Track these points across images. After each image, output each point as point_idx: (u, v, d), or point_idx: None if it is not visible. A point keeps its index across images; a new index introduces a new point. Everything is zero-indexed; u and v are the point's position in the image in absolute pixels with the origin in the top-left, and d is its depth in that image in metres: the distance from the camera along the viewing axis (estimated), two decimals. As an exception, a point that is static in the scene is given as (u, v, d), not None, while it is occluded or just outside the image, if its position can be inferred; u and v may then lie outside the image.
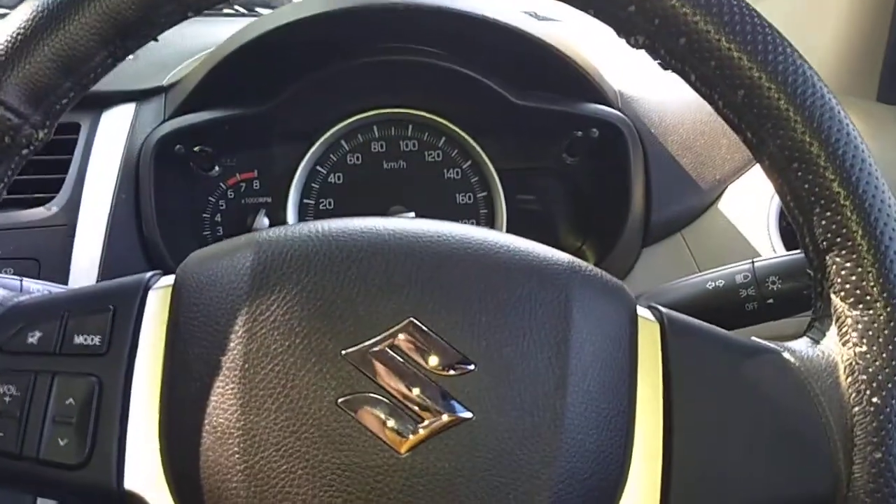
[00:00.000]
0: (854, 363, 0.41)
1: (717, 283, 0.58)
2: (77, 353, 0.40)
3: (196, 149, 0.80)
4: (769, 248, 0.75)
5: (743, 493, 0.40)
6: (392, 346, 0.38)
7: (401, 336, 0.38)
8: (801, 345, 0.43)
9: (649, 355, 0.41)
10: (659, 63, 0.94)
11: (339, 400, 0.37)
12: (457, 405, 0.37)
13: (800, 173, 0.41)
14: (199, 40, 0.90)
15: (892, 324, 0.40)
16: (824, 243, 0.41)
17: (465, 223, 0.44)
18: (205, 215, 0.83)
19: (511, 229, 0.83)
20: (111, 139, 0.78)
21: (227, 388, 0.38)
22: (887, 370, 0.40)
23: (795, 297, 0.55)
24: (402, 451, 0.37)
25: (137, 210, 0.76)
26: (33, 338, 0.40)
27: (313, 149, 0.82)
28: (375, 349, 0.38)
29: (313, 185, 0.84)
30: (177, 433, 0.39)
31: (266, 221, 0.81)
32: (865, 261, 0.40)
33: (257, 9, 1.10)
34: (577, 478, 0.38)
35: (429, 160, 0.85)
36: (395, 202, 0.84)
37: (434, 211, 0.83)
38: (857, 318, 0.41)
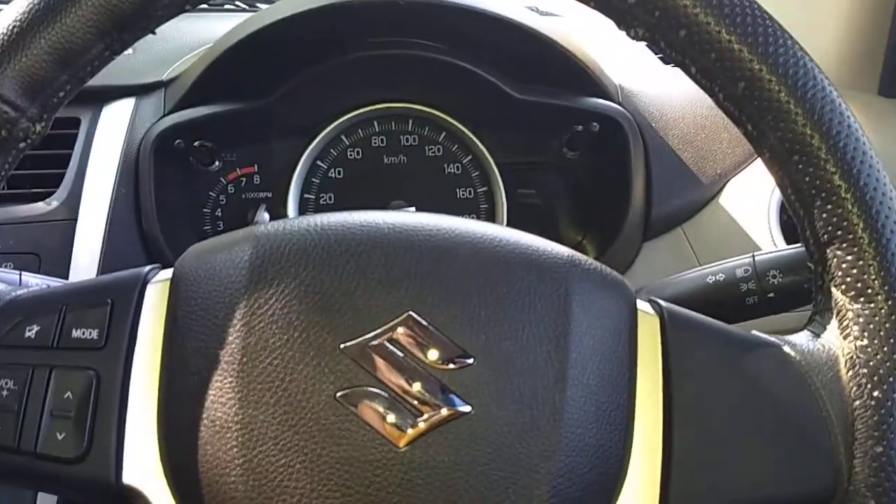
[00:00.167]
0: (855, 357, 0.40)
1: (717, 277, 0.58)
2: (75, 347, 0.40)
3: (196, 143, 0.80)
4: (770, 243, 0.75)
5: (743, 487, 0.40)
6: (391, 340, 0.38)
7: (400, 330, 0.38)
8: (802, 338, 0.43)
9: (649, 349, 0.41)
10: (660, 57, 0.94)
11: (338, 394, 0.37)
12: (456, 399, 0.37)
13: (800, 166, 0.41)
14: (199, 35, 0.90)
15: (893, 317, 0.40)
16: (825, 236, 0.41)
17: (466, 218, 0.44)
18: (205, 210, 0.83)
19: (511, 224, 0.83)
20: (111, 134, 0.78)
21: (225, 381, 0.38)
22: (888, 364, 0.39)
23: (796, 290, 0.55)
24: (401, 445, 0.37)
25: (137, 205, 0.76)
26: (31, 331, 0.40)
27: (314, 143, 0.82)
28: (374, 343, 0.38)
29: (314, 179, 0.84)
30: (175, 427, 0.39)
31: (266, 216, 0.81)
32: (866, 254, 0.40)
33: (258, 4, 1.10)
34: (577, 472, 0.38)
35: (429, 155, 0.85)
36: (396, 197, 0.84)
37: (434, 206, 0.83)
38: (858, 311, 0.41)
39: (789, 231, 0.75)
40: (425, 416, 0.37)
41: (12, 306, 0.41)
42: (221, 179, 0.83)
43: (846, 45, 0.93)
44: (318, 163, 0.84)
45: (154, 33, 0.43)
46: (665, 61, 0.93)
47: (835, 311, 0.42)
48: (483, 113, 0.83)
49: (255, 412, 0.37)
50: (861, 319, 0.40)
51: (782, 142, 0.41)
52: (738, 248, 0.73)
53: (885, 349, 0.40)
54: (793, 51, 0.40)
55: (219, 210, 0.84)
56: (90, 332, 0.40)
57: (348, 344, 0.38)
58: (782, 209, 0.77)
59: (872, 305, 0.40)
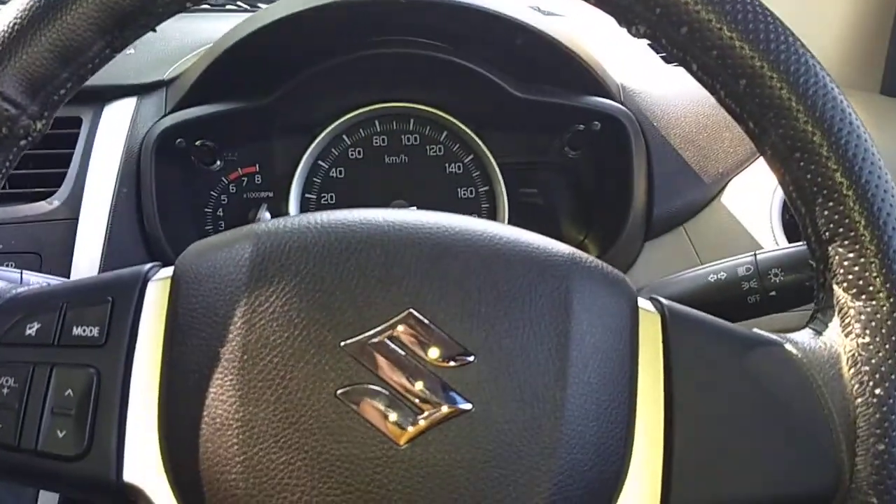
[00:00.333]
0: (857, 354, 0.40)
1: (719, 276, 0.57)
2: (75, 345, 0.40)
3: (197, 143, 0.80)
4: (772, 242, 0.75)
5: (745, 485, 0.39)
6: (391, 338, 0.38)
7: (400, 327, 0.38)
8: (804, 336, 0.43)
9: (650, 347, 0.41)
10: (662, 56, 0.94)
11: (339, 391, 0.37)
12: (456, 397, 0.37)
13: (802, 163, 0.41)
14: (201, 35, 0.90)
15: (894, 315, 0.39)
16: (827, 234, 0.41)
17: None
18: (206, 210, 0.83)
19: (513, 223, 0.82)
20: (112, 133, 0.78)
21: (225, 379, 0.38)
22: (890, 361, 0.39)
23: (798, 289, 0.55)
24: (402, 443, 0.37)
25: (139, 204, 0.76)
26: (32, 329, 0.40)
27: (315, 143, 0.82)
28: (375, 340, 0.38)
29: (315, 179, 0.84)
30: (176, 425, 0.39)
31: (268, 216, 0.81)
32: (868, 251, 0.40)
33: (259, 4, 1.10)
34: (578, 469, 0.38)
35: (430, 154, 0.85)
36: (397, 196, 0.84)
37: (436, 205, 0.83)
38: (860, 309, 0.40)
39: (791, 230, 0.75)
40: (426, 413, 0.37)
41: (13, 304, 0.41)
42: (223, 179, 0.84)
43: (848, 43, 0.92)
44: (320, 162, 0.84)
45: (155, 31, 0.43)
46: (666, 59, 0.92)
47: (836, 309, 0.42)
48: (484, 112, 0.83)
49: (255, 410, 0.37)
50: (863, 317, 0.40)
51: (784, 139, 0.41)
52: (739, 247, 0.72)
53: (887, 347, 0.39)
54: (794, 48, 0.40)
55: (220, 209, 0.84)
56: (91, 330, 0.40)
57: (349, 341, 0.38)
58: (784, 208, 0.76)
59: (874, 303, 0.40)
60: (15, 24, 0.40)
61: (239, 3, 1.10)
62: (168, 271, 0.42)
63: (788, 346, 0.42)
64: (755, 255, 0.57)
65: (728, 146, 0.82)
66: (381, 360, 0.37)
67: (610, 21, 0.44)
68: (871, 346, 0.40)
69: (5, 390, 0.39)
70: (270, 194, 0.84)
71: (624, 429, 0.39)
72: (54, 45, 0.40)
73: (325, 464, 0.36)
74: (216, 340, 0.38)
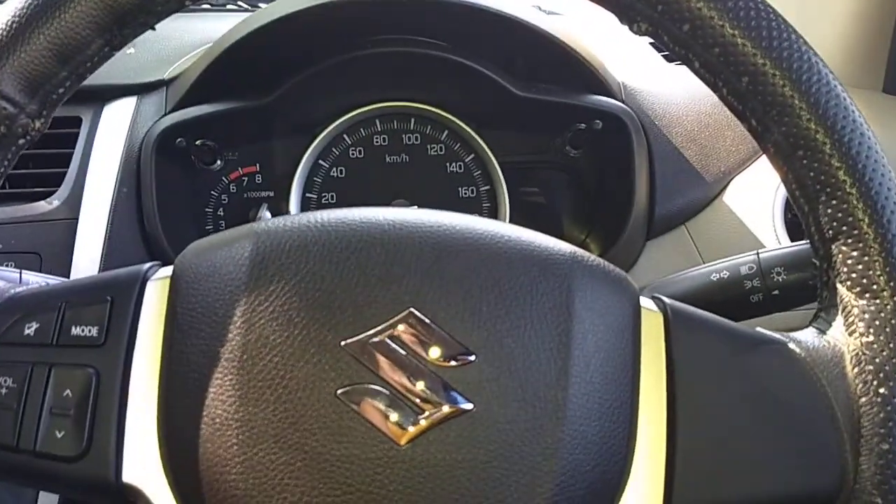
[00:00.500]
0: (860, 353, 0.40)
1: (721, 275, 0.57)
2: (74, 345, 0.39)
3: (198, 142, 0.79)
4: (774, 241, 0.74)
5: (748, 486, 0.39)
6: (392, 337, 0.37)
7: (401, 327, 0.38)
8: (807, 335, 0.43)
9: (652, 346, 0.41)
10: (663, 55, 0.94)
11: (339, 391, 0.37)
12: (458, 396, 0.37)
13: (805, 161, 0.40)
14: (201, 34, 0.90)
15: None
16: (830, 232, 0.41)
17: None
18: (207, 209, 0.83)
19: (514, 222, 0.82)
20: (112, 133, 0.78)
21: (225, 379, 0.37)
22: (894, 360, 0.39)
23: (801, 288, 0.55)
24: (403, 443, 0.36)
25: (139, 204, 0.76)
26: (30, 329, 0.40)
27: (315, 142, 0.82)
28: (375, 340, 0.37)
29: (315, 178, 0.83)
30: (175, 425, 0.38)
31: (268, 215, 0.81)
32: (872, 249, 0.40)
33: (260, 4, 1.10)
34: (580, 470, 0.37)
35: (431, 154, 0.85)
36: (398, 196, 0.84)
37: (437, 205, 0.82)
38: (864, 307, 0.40)
39: (794, 229, 0.75)
40: (426, 413, 0.37)
41: (11, 303, 0.41)
42: (223, 178, 0.83)
43: (851, 42, 0.92)
44: (320, 162, 0.83)
45: (154, 29, 0.43)
46: (668, 58, 0.92)
47: (840, 308, 0.42)
48: (485, 111, 0.83)
49: (255, 410, 0.37)
50: (866, 316, 0.40)
51: (786, 137, 0.41)
52: (742, 246, 0.72)
53: (891, 345, 0.39)
54: (797, 45, 0.40)
55: (221, 209, 0.83)
56: (90, 330, 0.40)
57: (349, 341, 0.37)
58: (787, 207, 0.76)
59: (878, 302, 0.40)
60: (13, 22, 0.40)
61: (239, 2, 1.10)
62: (167, 271, 0.42)
63: (792, 345, 0.42)
64: (758, 253, 0.57)
65: (730, 145, 0.82)
66: (381, 360, 0.37)
67: (611, 19, 0.44)
68: (875, 345, 0.40)
69: (4, 390, 0.39)
70: (271, 194, 0.84)
71: (626, 428, 0.39)
72: (53, 44, 0.40)
73: (325, 464, 0.36)
74: (216, 340, 0.38)
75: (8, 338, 0.40)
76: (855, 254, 0.40)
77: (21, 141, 0.42)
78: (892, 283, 0.39)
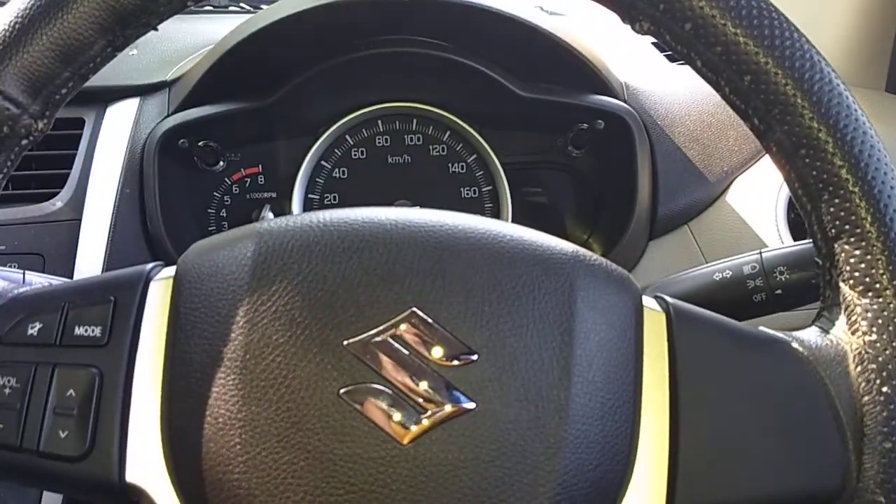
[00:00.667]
0: (863, 352, 0.40)
1: (724, 274, 0.57)
2: (77, 345, 0.39)
3: (200, 143, 0.80)
4: (778, 241, 0.74)
5: (751, 485, 0.39)
6: (394, 337, 0.37)
7: (403, 326, 0.38)
8: (810, 334, 0.43)
9: (655, 345, 0.41)
10: (666, 54, 0.93)
11: (342, 391, 0.37)
12: (460, 396, 0.37)
13: (807, 160, 0.40)
14: (203, 36, 0.90)
15: None
16: (833, 231, 0.41)
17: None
18: (209, 210, 0.83)
19: (516, 223, 0.82)
20: (115, 134, 0.78)
21: (228, 379, 0.37)
22: None
23: (804, 287, 0.55)
24: (405, 443, 0.36)
25: (142, 205, 0.76)
26: (34, 329, 0.40)
27: (318, 143, 0.82)
28: (378, 339, 0.37)
29: (318, 179, 0.83)
30: (178, 425, 0.38)
31: (271, 216, 0.81)
32: (875, 248, 0.40)
33: (262, 6, 1.10)
34: (583, 469, 0.37)
35: (433, 154, 0.85)
36: (400, 196, 0.84)
37: (439, 205, 0.81)
38: (867, 306, 0.40)
39: (797, 229, 0.75)
40: (429, 413, 0.37)
41: (14, 304, 0.41)
42: (226, 180, 0.84)
43: (854, 41, 0.92)
44: (323, 163, 0.83)
45: (156, 30, 0.43)
46: (671, 58, 0.92)
47: (843, 307, 0.41)
48: (487, 111, 0.83)
49: (258, 409, 0.37)
50: (869, 315, 0.40)
51: (789, 135, 0.41)
52: (745, 246, 0.72)
53: (894, 344, 0.39)
54: (799, 43, 0.40)
55: (223, 210, 0.83)
56: (93, 330, 0.40)
57: (352, 341, 0.37)
58: (790, 207, 0.76)
59: (881, 300, 0.40)
60: (16, 23, 0.40)
61: (241, 4, 1.10)
62: (170, 271, 0.42)
63: (794, 345, 0.42)
64: (761, 253, 0.57)
65: (733, 144, 0.82)
66: (384, 360, 0.37)
67: (613, 19, 0.44)
68: (878, 344, 0.40)
69: (7, 390, 0.39)
70: (273, 195, 0.84)
71: (629, 428, 0.39)
72: (55, 45, 0.40)
73: (328, 463, 0.36)
74: (218, 340, 0.38)
75: (11, 338, 0.40)
76: (858, 252, 0.40)
77: (24, 141, 0.42)
78: (894, 282, 0.39)
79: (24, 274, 0.47)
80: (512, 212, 0.82)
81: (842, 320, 0.42)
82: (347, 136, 0.84)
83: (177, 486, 0.38)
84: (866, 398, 0.39)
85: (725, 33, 0.40)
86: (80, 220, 0.73)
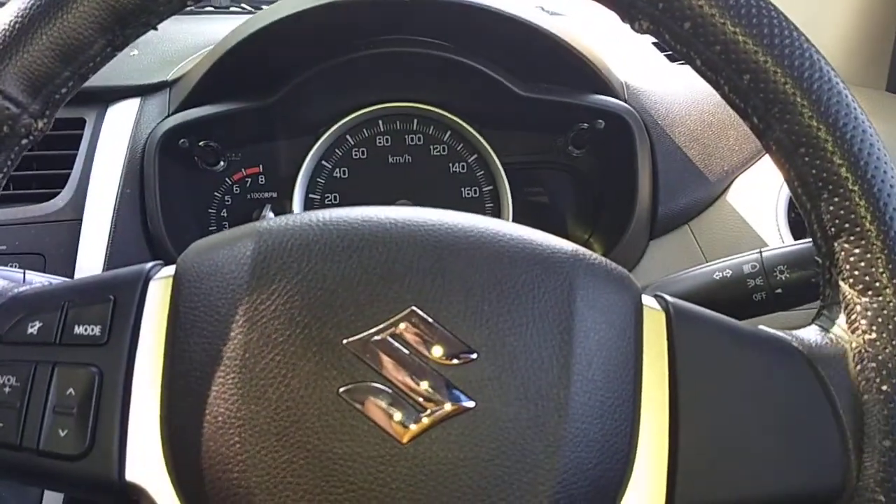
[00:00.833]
0: (863, 351, 0.40)
1: (724, 274, 0.57)
2: (77, 344, 0.40)
3: (201, 143, 0.80)
4: (778, 241, 0.74)
5: (750, 484, 0.39)
6: (394, 335, 0.37)
7: (403, 325, 0.38)
8: (810, 333, 0.43)
9: (655, 344, 0.41)
10: (666, 54, 0.93)
11: (341, 389, 0.37)
12: (460, 394, 0.37)
13: (807, 158, 0.40)
14: (204, 36, 0.90)
15: None
16: (832, 229, 0.41)
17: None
18: (210, 210, 0.83)
19: (517, 222, 0.82)
20: (116, 134, 0.78)
21: (227, 377, 0.37)
22: None
23: (804, 286, 0.55)
24: (405, 441, 0.36)
25: (143, 205, 0.76)
26: (33, 328, 0.40)
27: (318, 143, 0.82)
28: (377, 338, 0.37)
29: (319, 179, 0.84)
30: (178, 423, 0.38)
31: (272, 216, 0.81)
32: (874, 247, 0.40)
33: (263, 7, 1.10)
34: (582, 467, 0.37)
35: (434, 154, 0.85)
36: (401, 196, 0.84)
37: (440, 205, 0.81)
38: (867, 305, 0.40)
39: (798, 228, 0.75)
40: (429, 411, 0.37)
41: (14, 303, 0.41)
42: (226, 180, 0.84)
43: (854, 40, 0.92)
44: (323, 163, 0.84)
45: (156, 29, 0.43)
46: (671, 57, 0.92)
47: (843, 306, 0.41)
48: (488, 111, 0.83)
49: (257, 408, 0.37)
50: (869, 313, 0.40)
51: (788, 134, 0.41)
52: (745, 246, 0.72)
53: (894, 343, 0.39)
54: (798, 42, 0.40)
55: (224, 210, 0.84)
56: (93, 329, 0.40)
57: (351, 339, 0.37)
58: (791, 207, 0.76)
59: (880, 299, 0.40)
60: (16, 22, 0.40)
61: (242, 4, 1.10)
62: (170, 270, 0.42)
63: (794, 343, 0.42)
64: (761, 252, 0.57)
65: (733, 144, 0.82)
66: (383, 358, 0.37)
67: (613, 19, 0.44)
68: (878, 343, 0.40)
69: (7, 389, 0.39)
70: (274, 195, 0.84)
71: (628, 426, 0.39)
72: (55, 44, 0.40)
73: (327, 462, 0.36)
74: (218, 339, 0.38)
75: (11, 337, 0.40)
76: (857, 251, 0.40)
77: (24, 141, 0.42)
78: (894, 281, 0.39)
79: (24, 273, 0.47)
80: (512, 212, 0.83)
81: (841, 319, 0.42)
82: (348, 136, 0.84)
83: (176, 485, 0.38)
84: (866, 397, 0.39)
85: (724, 32, 0.40)
86: (80, 220, 0.73)
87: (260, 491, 0.36)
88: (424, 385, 0.37)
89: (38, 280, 0.46)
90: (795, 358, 0.41)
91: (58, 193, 0.74)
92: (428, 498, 0.36)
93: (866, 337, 0.40)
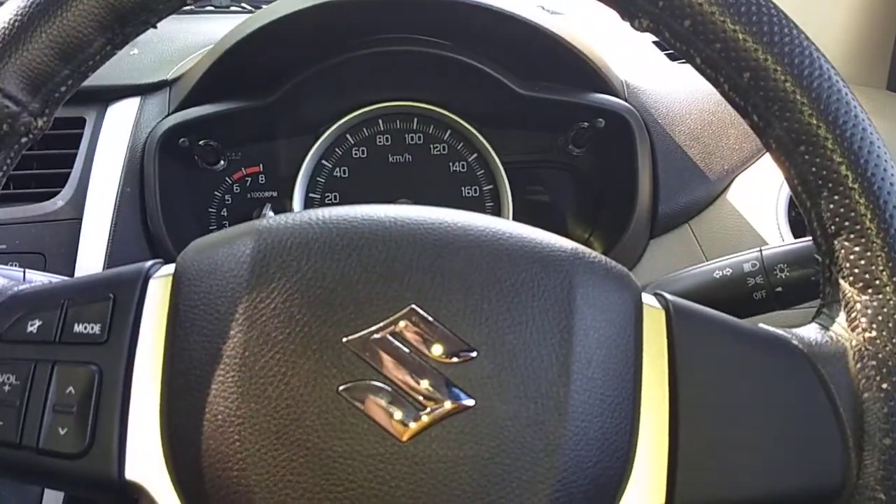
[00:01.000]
0: (863, 349, 0.40)
1: (724, 272, 0.57)
2: (77, 342, 0.40)
3: (201, 142, 0.80)
4: (778, 239, 0.74)
5: (750, 482, 0.39)
6: (393, 334, 0.37)
7: (402, 323, 0.38)
8: (810, 331, 0.43)
9: (654, 342, 0.41)
10: (667, 53, 0.93)
11: (341, 388, 0.37)
12: (459, 393, 0.37)
13: (807, 156, 0.40)
14: (204, 35, 0.90)
15: None
16: (832, 227, 0.41)
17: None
18: (210, 210, 0.83)
19: (517, 221, 0.82)
20: (116, 133, 0.78)
21: (227, 376, 0.37)
22: None
23: (804, 284, 0.55)
24: (405, 440, 0.36)
25: (143, 204, 0.76)
26: (33, 326, 0.40)
27: (318, 143, 0.82)
28: (377, 336, 0.37)
29: (319, 178, 0.84)
30: (177, 422, 0.38)
31: (272, 215, 0.81)
32: (874, 245, 0.40)
33: (262, 6, 1.10)
34: (582, 466, 0.37)
35: (434, 153, 0.85)
36: (401, 195, 0.84)
37: (440, 204, 0.81)
38: (867, 303, 0.40)
39: (798, 227, 0.75)
40: (428, 410, 0.37)
41: (14, 301, 0.41)
42: (227, 179, 0.84)
43: (855, 39, 0.92)
44: (324, 162, 0.83)
45: (155, 27, 0.43)
46: (671, 56, 0.92)
47: (843, 304, 0.41)
48: (488, 110, 0.83)
49: (257, 406, 0.37)
50: (869, 311, 0.40)
51: (788, 132, 0.41)
52: (746, 244, 0.72)
53: (894, 341, 0.39)
54: (798, 40, 0.40)
55: (224, 209, 0.84)
56: (92, 327, 0.40)
57: (351, 338, 0.37)
58: (791, 206, 0.76)
59: (881, 297, 0.40)
60: (15, 20, 0.40)
61: (242, 3, 1.10)
62: (169, 268, 0.42)
63: (794, 342, 0.42)
64: (761, 251, 0.57)
65: (733, 143, 0.82)
66: (383, 357, 0.37)
67: (613, 18, 0.44)
68: (878, 341, 0.40)
69: (7, 387, 0.39)
70: (274, 194, 0.84)
71: (628, 425, 0.39)
72: (55, 42, 0.40)
73: (327, 460, 0.36)
74: (217, 337, 0.38)
75: (11, 335, 0.40)
76: (857, 249, 0.40)
77: (23, 139, 0.42)
78: (894, 279, 0.39)
79: (24, 272, 0.47)
80: (513, 210, 0.82)
81: (842, 317, 0.42)
82: (348, 136, 0.84)
83: (176, 483, 0.38)
84: (866, 395, 0.39)
85: (724, 30, 0.40)
86: (80, 219, 0.73)
87: (259, 489, 0.36)
88: (424, 383, 0.37)
89: (37, 279, 0.46)
90: (795, 356, 0.41)
91: (58, 193, 0.74)
92: (427, 496, 0.36)
93: (866, 335, 0.40)
